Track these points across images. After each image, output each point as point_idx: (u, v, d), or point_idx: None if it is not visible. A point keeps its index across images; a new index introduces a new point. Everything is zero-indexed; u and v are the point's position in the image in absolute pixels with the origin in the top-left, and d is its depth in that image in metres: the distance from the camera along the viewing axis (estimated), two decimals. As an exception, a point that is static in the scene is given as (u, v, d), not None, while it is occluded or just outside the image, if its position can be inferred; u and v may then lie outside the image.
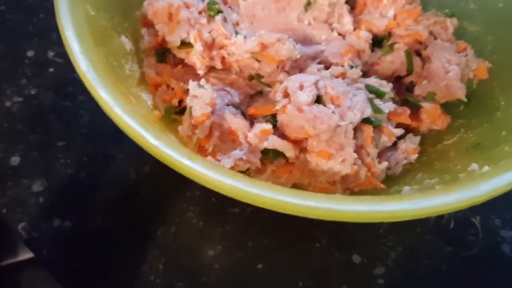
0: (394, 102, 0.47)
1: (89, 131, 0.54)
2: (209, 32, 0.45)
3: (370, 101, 0.42)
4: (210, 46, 0.45)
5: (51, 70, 0.59)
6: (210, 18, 0.46)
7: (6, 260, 0.52)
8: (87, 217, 0.50)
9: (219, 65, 0.46)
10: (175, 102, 0.46)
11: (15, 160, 0.53)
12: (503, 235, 0.51)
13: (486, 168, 0.36)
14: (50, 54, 0.60)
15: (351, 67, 0.46)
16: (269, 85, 0.47)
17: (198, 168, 0.32)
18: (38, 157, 0.53)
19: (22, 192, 0.51)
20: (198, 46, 0.44)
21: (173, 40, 0.45)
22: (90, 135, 0.54)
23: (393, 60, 0.50)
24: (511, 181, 0.32)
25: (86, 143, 0.54)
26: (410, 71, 0.51)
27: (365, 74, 0.50)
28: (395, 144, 0.46)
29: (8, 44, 0.60)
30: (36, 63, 0.59)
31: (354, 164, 0.40)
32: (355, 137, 0.41)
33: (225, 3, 0.49)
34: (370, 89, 0.44)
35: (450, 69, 0.48)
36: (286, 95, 0.41)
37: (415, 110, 0.49)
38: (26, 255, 0.52)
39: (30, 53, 0.60)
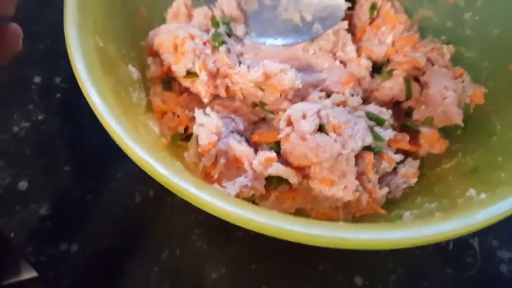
0: (393, 127, 0.48)
1: (94, 155, 0.56)
2: (214, 62, 0.47)
3: (371, 129, 0.44)
4: (214, 75, 0.47)
5: (58, 95, 0.60)
6: (215, 48, 0.47)
7: (9, 279, 0.53)
8: (94, 241, 0.51)
9: (223, 94, 0.48)
10: (181, 129, 0.47)
11: (23, 184, 0.54)
12: (500, 256, 0.52)
13: (483, 195, 0.37)
14: (57, 79, 0.61)
15: (352, 95, 0.47)
16: (272, 112, 0.48)
17: (206, 198, 0.33)
18: (46, 182, 0.54)
19: (30, 216, 0.52)
20: (203, 76, 0.45)
21: (179, 70, 0.46)
22: (95, 159, 0.55)
23: (392, 86, 0.52)
24: (507, 209, 0.33)
25: (92, 167, 0.55)
26: (408, 97, 0.52)
27: (365, 100, 0.51)
28: (395, 169, 0.47)
29: (15, 70, 0.62)
30: (43, 88, 0.60)
31: (356, 190, 0.41)
32: (356, 164, 0.42)
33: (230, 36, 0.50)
34: (370, 116, 0.46)
35: (447, 95, 0.49)
36: (290, 123, 0.43)
37: (414, 134, 0.50)
38: (29, 274, 0.53)
39: (37, 79, 0.61)
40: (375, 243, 0.32)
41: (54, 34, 0.65)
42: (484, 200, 0.36)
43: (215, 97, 0.49)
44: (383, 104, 0.52)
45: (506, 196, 0.34)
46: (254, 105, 0.49)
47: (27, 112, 0.58)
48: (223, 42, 0.47)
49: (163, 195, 0.53)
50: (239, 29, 0.51)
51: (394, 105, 0.53)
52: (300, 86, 0.46)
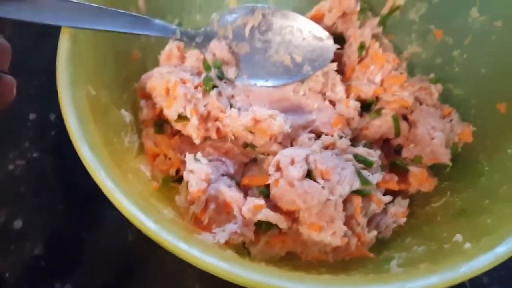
0: (383, 166, 0.49)
1: (88, 193, 0.56)
2: (205, 106, 0.47)
3: (358, 173, 0.44)
4: (205, 118, 0.48)
5: (52, 132, 0.61)
6: (206, 92, 0.48)
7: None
8: (87, 280, 0.51)
9: (214, 136, 0.48)
10: (172, 171, 0.48)
11: (17, 223, 0.54)
12: (491, 292, 0.52)
13: (468, 245, 0.37)
14: (52, 116, 0.62)
15: (340, 137, 0.48)
16: (263, 153, 0.49)
17: (195, 253, 0.34)
18: (40, 220, 0.55)
19: (24, 256, 0.53)
20: (194, 120, 0.46)
21: (171, 114, 0.47)
22: (89, 198, 0.56)
23: (381, 124, 0.53)
24: (490, 262, 0.34)
25: (86, 205, 0.56)
26: (397, 135, 0.53)
27: (355, 139, 0.52)
28: (384, 208, 0.48)
29: (11, 107, 0.62)
30: (38, 125, 0.61)
31: (344, 236, 0.42)
32: (344, 208, 0.43)
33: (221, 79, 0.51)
34: (358, 158, 0.46)
35: (435, 135, 0.50)
36: (278, 169, 0.43)
37: (404, 172, 0.51)
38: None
39: (32, 116, 0.62)
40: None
41: (49, 70, 0.65)
42: (468, 251, 0.37)
43: (207, 138, 0.49)
44: (372, 141, 0.53)
45: (489, 248, 0.35)
46: (245, 145, 0.49)
47: (22, 150, 0.59)
48: (214, 86, 0.48)
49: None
50: (231, 72, 0.51)
51: (384, 142, 0.54)
52: (289, 130, 0.46)
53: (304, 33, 0.52)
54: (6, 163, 0.58)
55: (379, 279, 0.34)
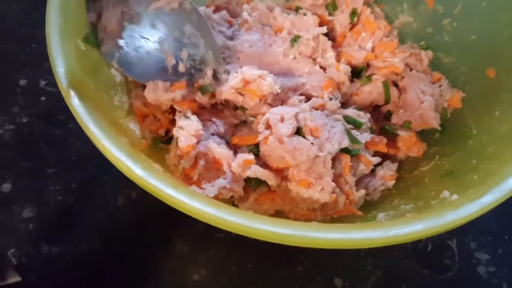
0: (372, 131, 0.49)
1: (78, 158, 0.56)
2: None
3: (348, 132, 0.44)
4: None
5: (42, 98, 0.60)
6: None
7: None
8: (75, 243, 0.51)
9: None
10: (161, 132, 0.48)
11: (6, 187, 0.54)
12: (478, 257, 0.53)
13: (454, 196, 0.38)
14: (42, 83, 0.62)
15: (330, 99, 0.48)
16: (253, 116, 0.49)
17: (183, 199, 0.33)
18: (29, 184, 0.54)
19: (12, 219, 0.52)
20: (183, 81, 0.46)
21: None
22: (79, 162, 0.56)
23: (371, 90, 0.53)
24: (476, 211, 0.34)
25: (75, 170, 0.55)
26: (387, 101, 0.53)
27: (345, 104, 0.52)
28: (373, 171, 0.48)
29: (1, 73, 0.62)
30: (28, 91, 0.61)
31: (333, 192, 0.42)
32: (333, 166, 0.43)
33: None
34: (348, 119, 0.46)
35: (424, 99, 0.50)
36: (268, 126, 0.43)
37: (393, 137, 0.51)
38: (14, 278, 0.53)
39: (22, 82, 0.62)
40: (346, 242, 0.32)
41: (39, 37, 0.66)
42: (454, 201, 0.37)
43: (197, 100, 0.49)
44: (362, 107, 0.53)
45: (475, 198, 0.35)
46: (235, 108, 0.49)
47: (12, 115, 0.59)
48: None
49: (145, 197, 0.53)
50: None
51: (374, 108, 0.54)
52: (279, 90, 0.46)
53: None
54: (-5, 128, 0.58)
55: (365, 226, 0.34)
